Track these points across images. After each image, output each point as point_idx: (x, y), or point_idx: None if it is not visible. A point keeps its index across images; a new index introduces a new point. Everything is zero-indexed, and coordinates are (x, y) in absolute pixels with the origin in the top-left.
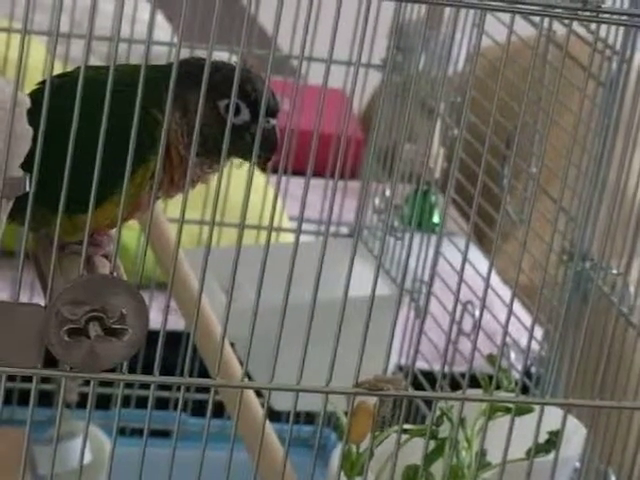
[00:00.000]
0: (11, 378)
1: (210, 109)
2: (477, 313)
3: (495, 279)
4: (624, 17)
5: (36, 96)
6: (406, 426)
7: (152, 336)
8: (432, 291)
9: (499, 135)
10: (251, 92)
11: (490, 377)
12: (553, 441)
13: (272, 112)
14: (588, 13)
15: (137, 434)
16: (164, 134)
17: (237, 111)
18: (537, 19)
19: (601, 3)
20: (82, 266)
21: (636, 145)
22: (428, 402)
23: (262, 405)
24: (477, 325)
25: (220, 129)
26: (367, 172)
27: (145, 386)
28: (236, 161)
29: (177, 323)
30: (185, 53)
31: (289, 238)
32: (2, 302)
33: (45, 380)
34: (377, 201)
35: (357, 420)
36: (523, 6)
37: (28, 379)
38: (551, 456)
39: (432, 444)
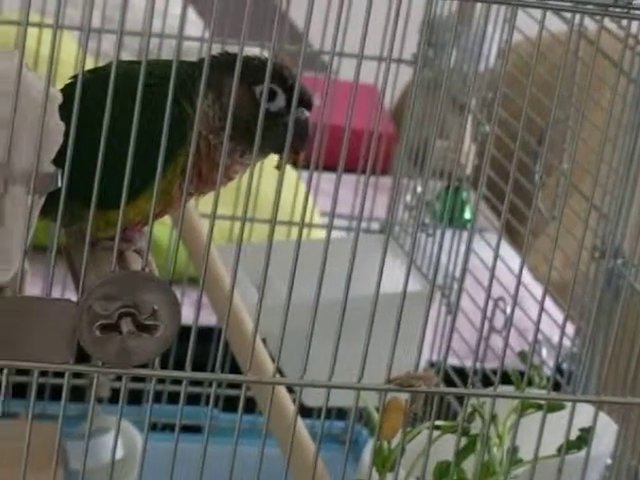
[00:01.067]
0: (43, 373)
1: (245, 93)
2: (509, 310)
3: (527, 276)
4: None
5: (68, 91)
6: (437, 422)
7: (184, 332)
8: (463, 287)
9: (531, 131)
10: (288, 78)
11: (522, 374)
12: (584, 438)
13: (307, 103)
14: (619, 9)
15: (169, 429)
16: (195, 129)
17: (273, 96)
18: (568, 15)
19: None
20: (114, 262)
21: None
22: (460, 398)
23: (293, 401)
24: (509, 322)
25: (254, 114)
26: (398, 168)
27: (177, 381)
28: (271, 157)
29: (209, 319)
30: (216, 49)
31: (320, 234)
32: (34, 297)
33: (77, 375)
34: (408, 197)
35: (388, 416)
36: (554, 2)
37: (60, 374)
38: (582, 453)
39: (464, 440)
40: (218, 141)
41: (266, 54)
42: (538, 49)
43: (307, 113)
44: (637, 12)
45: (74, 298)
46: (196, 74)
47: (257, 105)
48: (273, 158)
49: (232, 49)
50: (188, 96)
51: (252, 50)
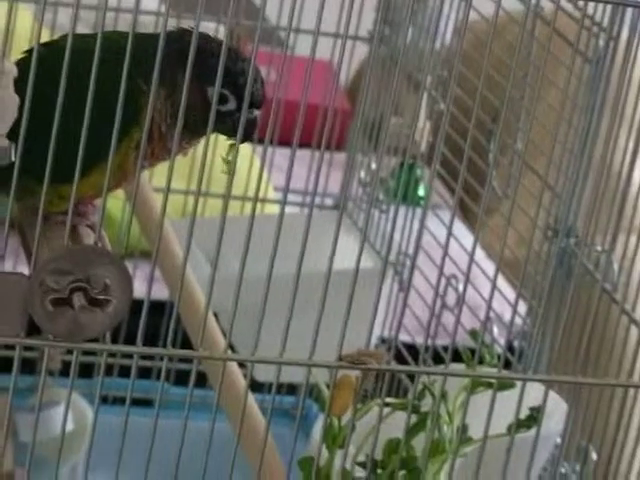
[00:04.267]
0: None
1: (198, 92)
2: (461, 287)
3: (479, 253)
4: None
5: (22, 65)
6: (388, 399)
7: (136, 305)
8: (416, 264)
9: (485, 110)
10: (242, 84)
11: (473, 351)
12: (534, 417)
13: (257, 104)
14: None
15: (119, 403)
16: (150, 107)
17: (225, 100)
18: None
19: None
20: (67, 236)
21: (622, 122)
22: (410, 376)
23: (244, 376)
24: (461, 299)
25: (205, 114)
26: (353, 144)
27: (128, 355)
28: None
29: (161, 293)
30: (172, 23)
31: (274, 209)
32: None
33: (28, 348)
34: (363, 174)
35: (339, 393)
36: None
37: (11, 347)
38: (532, 432)
39: (414, 418)
40: (168, 131)
41: (222, 29)
42: (494, 28)
43: (256, 112)
44: None
45: (26, 272)
46: (150, 51)
47: (208, 105)
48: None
49: (188, 23)
50: (142, 72)
51: (208, 25)
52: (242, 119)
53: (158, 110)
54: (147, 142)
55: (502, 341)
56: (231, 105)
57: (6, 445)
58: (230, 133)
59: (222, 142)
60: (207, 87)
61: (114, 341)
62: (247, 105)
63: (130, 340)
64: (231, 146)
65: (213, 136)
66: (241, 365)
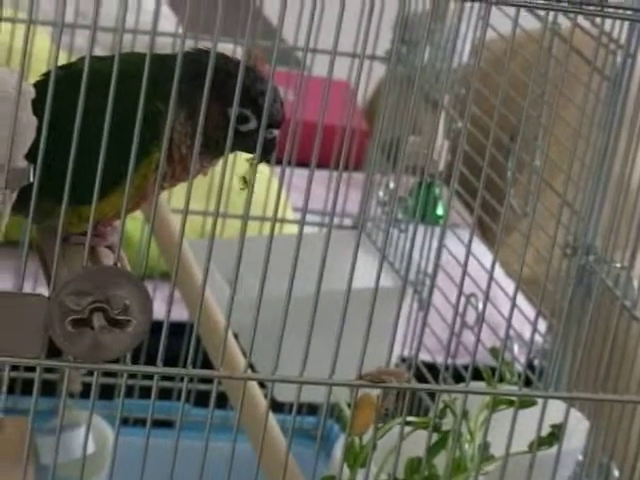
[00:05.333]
0: (15, 368)
1: (219, 114)
2: (480, 306)
3: (499, 272)
4: (629, 12)
5: (40, 87)
6: (409, 418)
7: (156, 326)
8: (435, 283)
9: (503, 128)
10: (262, 104)
11: (493, 370)
12: (556, 434)
13: (277, 123)
14: (593, 7)
15: (140, 424)
16: (168, 128)
17: (246, 120)
18: (542, 12)
19: None
20: (86, 257)
21: None
22: (431, 394)
23: (265, 396)
24: (480, 318)
25: (225, 134)
26: (371, 164)
27: (148, 376)
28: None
29: (181, 314)
30: (189, 44)
31: (293, 229)
32: (6, 292)
33: (48, 370)
34: (381, 193)
35: (360, 412)
36: None
37: (32, 369)
38: (554, 449)
39: (435, 437)
40: (189, 153)
41: (239, 50)
42: (512, 46)
43: (276, 132)
44: (610, 10)
45: (46, 293)
46: (167, 72)
47: (228, 126)
48: (246, 154)
49: (205, 45)
50: (160, 94)
51: (226, 47)
52: (260, 138)
53: (178, 132)
54: (168, 164)
55: (522, 359)
56: (252, 125)
57: (27, 468)
58: (251, 151)
59: (240, 163)
60: (228, 108)
61: (134, 362)
62: (265, 123)
63: (150, 361)
64: (250, 164)
65: (231, 157)
66: (262, 385)
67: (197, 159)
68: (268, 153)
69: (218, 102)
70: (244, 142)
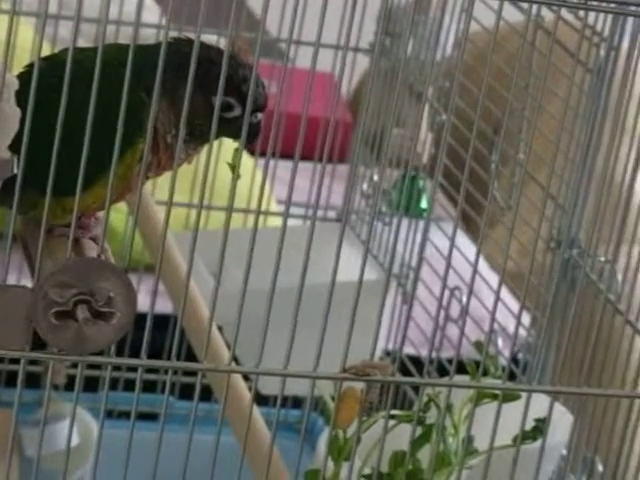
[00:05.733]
0: None
1: (202, 102)
2: (464, 299)
3: (483, 265)
4: (612, 5)
5: (24, 78)
6: (393, 412)
7: (140, 319)
8: (419, 276)
9: (487, 121)
10: (246, 91)
11: (477, 363)
12: (540, 428)
13: (261, 107)
14: (576, 0)
15: (124, 416)
16: (151, 118)
17: (229, 107)
18: (525, 5)
19: None
20: (70, 249)
21: (624, 132)
22: (415, 388)
23: (249, 389)
24: (464, 311)
25: (210, 122)
26: (355, 156)
27: (133, 369)
28: (230, 148)
29: (165, 306)
30: (173, 35)
31: (277, 222)
32: None
33: (33, 362)
34: (365, 186)
35: (344, 405)
36: None
37: (16, 361)
38: (538, 443)
39: (419, 430)
40: (174, 141)
41: (223, 42)
42: (495, 39)
43: (260, 115)
44: (594, 3)
45: (30, 285)
46: (150, 63)
47: (212, 114)
48: (229, 144)
49: (189, 36)
50: (143, 84)
51: (209, 38)
52: (245, 126)
53: (161, 121)
54: (153, 153)
55: (506, 353)
56: (236, 111)
57: (12, 460)
58: (236, 137)
59: (224, 155)
60: (212, 96)
61: (119, 354)
62: (250, 109)
63: (134, 354)
64: (236, 150)
65: (215, 149)
66: (246, 378)
67: (182, 148)
68: (253, 137)
69: (201, 90)
70: (229, 129)
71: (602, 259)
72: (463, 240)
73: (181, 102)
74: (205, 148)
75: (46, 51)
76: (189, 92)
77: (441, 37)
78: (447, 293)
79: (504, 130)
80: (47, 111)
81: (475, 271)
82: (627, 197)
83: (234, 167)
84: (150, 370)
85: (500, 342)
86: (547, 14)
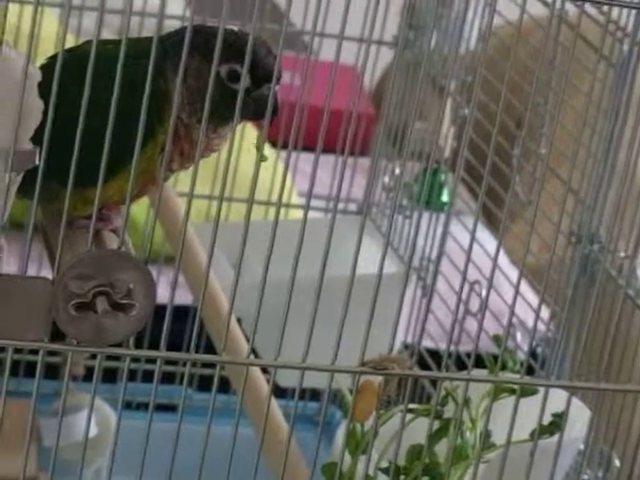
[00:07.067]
0: (18, 350)
1: (210, 73)
2: (484, 293)
3: (503, 259)
4: (636, 0)
5: (47, 70)
6: (411, 405)
7: (159, 310)
8: (439, 270)
9: (509, 115)
10: (251, 58)
11: (496, 357)
12: (557, 423)
13: (270, 76)
14: None
15: (143, 408)
16: (175, 107)
17: (238, 77)
18: None
19: None
20: (90, 241)
21: None
22: (433, 381)
23: (268, 381)
24: (484, 305)
25: (221, 93)
26: (377, 149)
27: (151, 360)
28: (251, 140)
29: (185, 298)
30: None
31: (298, 214)
32: (10, 275)
33: (52, 353)
34: (386, 179)
35: (362, 399)
36: None
37: (35, 352)
38: (555, 438)
39: (437, 424)
40: (190, 121)
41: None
42: (519, 33)
43: (275, 88)
44: None
45: (50, 276)
46: (167, 48)
47: (223, 85)
48: (252, 136)
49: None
50: (162, 73)
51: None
52: (241, 87)
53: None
54: (175, 142)
55: (525, 347)
56: (245, 81)
57: (30, 450)
58: (253, 114)
59: (245, 148)
60: (219, 66)
61: (138, 346)
62: (248, 68)
63: (153, 345)
64: (258, 139)
65: (236, 142)
66: (264, 371)
67: (203, 129)
68: (262, 112)
69: (208, 61)
70: (244, 104)
71: (622, 254)
72: (483, 234)
73: (191, 77)
74: (226, 141)
75: (70, 42)
76: (182, 68)
77: (464, 31)
78: (467, 287)
79: (526, 124)
80: (69, 103)
81: (495, 265)
82: None
83: (258, 148)
84: (169, 362)
85: (519, 336)
86: (571, 8)
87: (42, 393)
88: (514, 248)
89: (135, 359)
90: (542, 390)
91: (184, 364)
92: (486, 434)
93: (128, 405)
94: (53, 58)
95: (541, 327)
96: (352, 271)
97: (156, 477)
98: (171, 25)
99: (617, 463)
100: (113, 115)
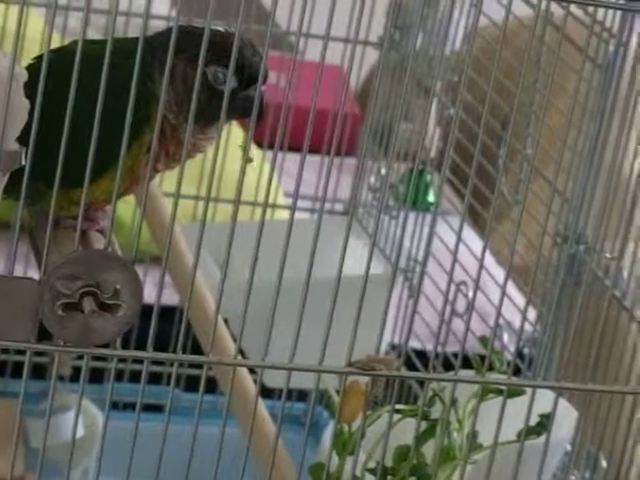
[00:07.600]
0: (5, 351)
1: (196, 75)
2: (470, 293)
3: (489, 260)
4: (621, 1)
5: (33, 70)
6: (398, 406)
7: (146, 311)
8: (426, 271)
9: (495, 115)
10: (239, 61)
11: (482, 358)
12: (544, 424)
13: (256, 78)
14: None
15: (130, 408)
16: (161, 106)
17: (223, 80)
18: (535, 0)
19: None
20: (77, 241)
21: (631, 128)
22: (420, 382)
23: (255, 382)
24: (470, 305)
25: (207, 95)
26: (363, 150)
27: (138, 360)
28: (238, 140)
29: (171, 298)
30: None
31: (284, 215)
32: None
33: (39, 353)
34: (372, 179)
35: (349, 399)
36: None
37: (22, 352)
38: (542, 439)
39: (424, 425)
40: (177, 121)
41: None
42: (504, 33)
43: (258, 89)
44: None
45: (37, 276)
46: (149, 57)
47: (210, 87)
48: (238, 137)
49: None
50: (149, 73)
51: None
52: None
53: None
54: (162, 142)
55: (512, 348)
56: (231, 83)
57: (17, 450)
58: (239, 114)
59: (232, 148)
60: (205, 68)
61: (124, 347)
62: (233, 70)
63: (140, 346)
64: (243, 140)
65: (223, 142)
66: (251, 371)
67: (190, 129)
68: (248, 112)
69: (195, 63)
70: (230, 104)
71: (608, 255)
72: (470, 234)
73: (178, 77)
74: (212, 141)
75: (56, 42)
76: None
77: (450, 31)
78: (453, 287)
79: (512, 125)
80: (56, 103)
81: (481, 266)
82: (634, 193)
83: (244, 148)
84: (156, 362)
85: (506, 337)
86: (556, 9)
87: (29, 393)
88: (500, 248)
89: (122, 359)
90: (529, 391)
91: (171, 364)
92: (473, 435)
93: (115, 405)
94: (39, 58)
95: (528, 328)
96: (338, 272)
97: (144, 477)
98: (157, 25)
99: (604, 464)
100: (99, 115)
